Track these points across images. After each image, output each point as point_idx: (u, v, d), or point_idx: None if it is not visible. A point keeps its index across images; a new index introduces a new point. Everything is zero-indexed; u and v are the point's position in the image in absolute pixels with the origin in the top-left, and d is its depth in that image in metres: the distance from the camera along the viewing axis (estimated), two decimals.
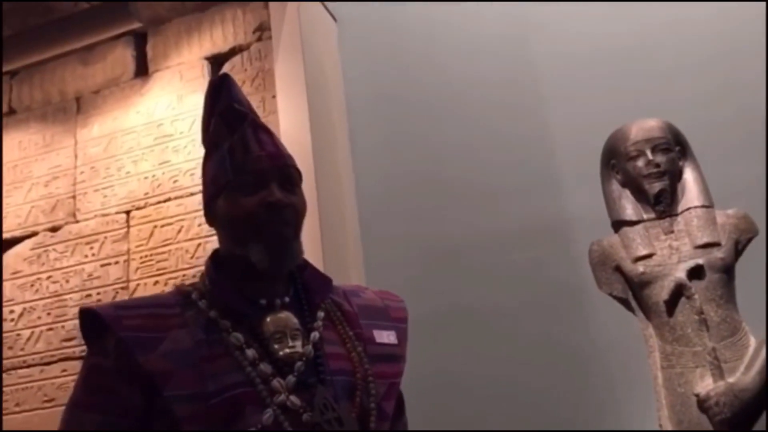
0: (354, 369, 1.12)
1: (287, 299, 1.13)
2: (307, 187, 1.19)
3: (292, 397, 1.03)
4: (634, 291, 1.84)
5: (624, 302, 1.86)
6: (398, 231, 2.73)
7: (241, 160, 1.12)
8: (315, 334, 1.11)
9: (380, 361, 1.16)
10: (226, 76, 1.23)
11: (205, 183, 1.19)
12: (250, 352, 1.05)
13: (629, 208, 1.89)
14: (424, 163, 2.80)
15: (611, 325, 2.16)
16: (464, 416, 2.41)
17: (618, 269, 1.85)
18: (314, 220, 2.34)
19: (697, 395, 1.65)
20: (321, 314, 1.15)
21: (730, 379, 1.65)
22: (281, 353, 1.06)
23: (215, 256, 1.18)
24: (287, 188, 1.13)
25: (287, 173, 1.14)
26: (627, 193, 1.91)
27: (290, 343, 1.07)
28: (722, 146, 2.34)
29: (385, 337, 1.20)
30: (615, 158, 1.93)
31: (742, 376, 1.65)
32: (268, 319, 1.09)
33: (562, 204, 2.59)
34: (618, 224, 1.90)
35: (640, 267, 1.80)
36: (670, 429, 1.70)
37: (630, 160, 1.88)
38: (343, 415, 1.05)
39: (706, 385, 1.66)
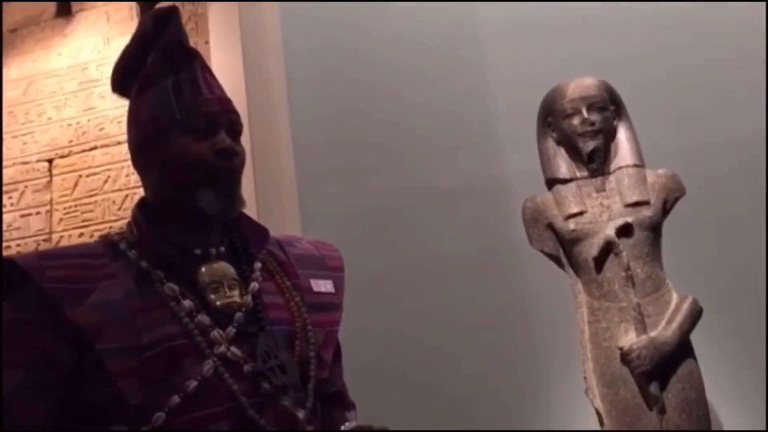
0: (293, 318, 1.11)
1: (222, 249, 1.10)
2: (243, 139, 1.15)
3: (233, 348, 1.01)
4: (564, 248, 1.87)
5: (555, 259, 1.89)
6: (336, 188, 2.70)
7: (191, 101, 1.07)
8: (254, 285, 1.09)
9: (318, 310, 1.15)
10: (174, 8, 1.14)
11: (137, 121, 1.10)
12: (187, 303, 1.02)
13: (563, 166, 1.91)
14: (364, 120, 2.76)
15: (544, 281, 2.20)
16: (404, 370, 2.43)
17: (550, 226, 1.87)
18: (248, 175, 2.26)
19: (620, 348, 1.70)
20: (258, 264, 1.13)
21: (652, 333, 1.70)
22: (219, 303, 1.03)
23: (142, 204, 1.11)
24: (232, 136, 1.10)
25: (234, 121, 1.11)
26: (562, 151, 1.92)
27: (228, 293, 1.04)
28: (657, 107, 2.39)
29: (323, 286, 1.19)
30: (551, 116, 1.94)
31: (663, 330, 1.71)
32: (204, 269, 1.06)
33: (500, 161, 2.60)
34: (551, 182, 1.92)
35: (571, 224, 1.83)
36: (594, 382, 1.76)
37: (566, 118, 1.89)
38: (285, 362, 1.03)
39: (629, 339, 1.71)
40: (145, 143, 1.09)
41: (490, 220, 2.55)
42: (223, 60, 2.41)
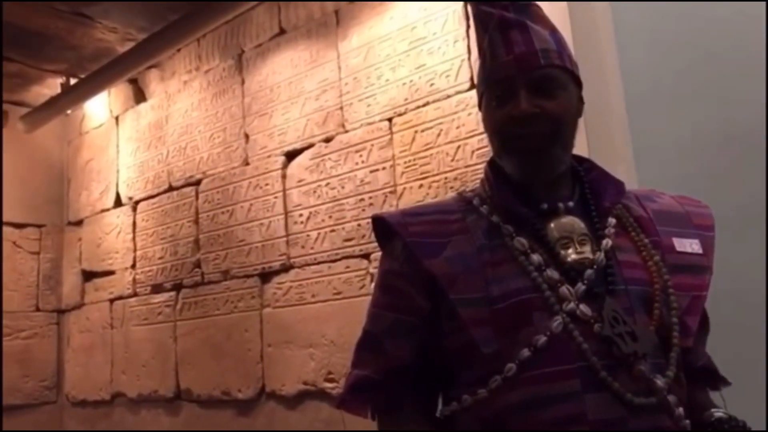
0: (651, 279, 1.03)
1: (571, 204, 1.07)
2: None
3: (582, 306, 0.98)
4: None
5: None
6: (674, 116, 2.43)
7: (489, 68, 1.07)
8: (607, 241, 1.03)
9: (681, 271, 1.05)
10: None
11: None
12: (536, 257, 1.02)
13: None
14: (710, 27, 2.38)
15: None
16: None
17: None
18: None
19: None
20: (612, 220, 1.07)
21: None
22: (569, 259, 1.01)
23: (492, 161, 1.15)
24: (542, 92, 1.03)
25: (542, 75, 1.03)
26: None
27: (578, 249, 1.02)
28: None
29: (687, 245, 1.08)
30: None
31: None
32: (552, 224, 1.04)
33: None
34: None
35: None
36: None
37: None
38: (636, 329, 0.97)
39: None
40: (480, 108, 1.13)
41: None
42: None
